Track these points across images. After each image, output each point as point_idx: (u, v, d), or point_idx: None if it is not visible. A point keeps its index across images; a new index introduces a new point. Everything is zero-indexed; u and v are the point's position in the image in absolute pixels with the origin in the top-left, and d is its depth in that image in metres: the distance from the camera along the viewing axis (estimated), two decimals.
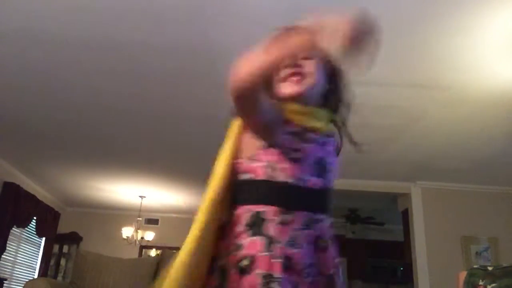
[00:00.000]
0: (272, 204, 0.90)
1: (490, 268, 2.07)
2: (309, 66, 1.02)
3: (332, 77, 1.07)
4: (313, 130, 0.99)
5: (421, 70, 2.79)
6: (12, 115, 3.80)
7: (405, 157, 4.24)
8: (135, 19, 2.45)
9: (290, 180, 0.92)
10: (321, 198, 0.95)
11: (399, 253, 5.78)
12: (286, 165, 0.92)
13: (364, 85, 3.00)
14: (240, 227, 0.91)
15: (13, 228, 5.36)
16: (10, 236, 5.24)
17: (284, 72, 1.00)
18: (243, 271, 0.86)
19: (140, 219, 6.45)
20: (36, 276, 6.15)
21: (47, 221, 6.22)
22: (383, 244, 6.78)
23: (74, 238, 6.82)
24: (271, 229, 0.88)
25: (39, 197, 5.88)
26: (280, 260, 0.86)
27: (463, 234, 4.67)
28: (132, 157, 4.73)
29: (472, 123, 3.42)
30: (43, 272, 6.28)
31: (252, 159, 0.95)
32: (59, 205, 6.77)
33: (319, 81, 1.03)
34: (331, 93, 1.06)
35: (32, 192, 5.66)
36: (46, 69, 3.01)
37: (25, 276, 5.98)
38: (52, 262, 6.64)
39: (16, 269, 5.81)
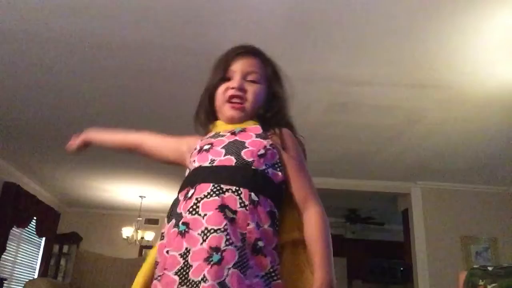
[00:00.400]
0: (183, 188, 1.01)
1: (490, 268, 2.07)
2: (253, 90, 1.11)
3: (273, 102, 1.15)
4: (228, 129, 1.09)
5: (421, 70, 2.79)
6: (12, 115, 3.80)
7: (405, 157, 4.24)
8: (135, 19, 2.45)
9: (200, 164, 1.02)
10: (229, 171, 0.97)
11: (399, 253, 5.79)
12: (199, 156, 1.04)
13: (364, 85, 3.01)
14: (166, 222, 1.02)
15: (13, 228, 5.36)
16: (10, 236, 5.24)
17: (228, 93, 1.10)
18: (167, 253, 0.94)
19: (140, 219, 6.45)
20: (36, 276, 6.15)
21: (47, 221, 6.22)
22: (383, 244, 6.78)
23: (74, 238, 6.82)
24: (181, 206, 0.97)
25: (39, 197, 5.88)
26: (176, 228, 0.92)
27: (463, 234, 4.67)
28: (132, 157, 4.72)
29: (472, 123, 3.42)
30: (43, 272, 6.28)
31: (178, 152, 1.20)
32: (59, 205, 6.77)
33: (259, 103, 1.12)
34: (266, 114, 1.13)
35: (32, 192, 5.66)
36: (47, 69, 3.01)
37: (25, 276, 5.98)
38: (52, 262, 6.64)
39: (16, 269, 5.81)
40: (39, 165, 5.21)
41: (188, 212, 0.92)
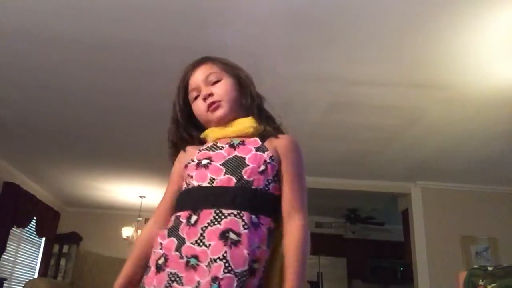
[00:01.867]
0: (184, 208, 0.99)
1: (490, 268, 2.07)
2: (220, 87, 1.13)
3: (244, 87, 1.16)
4: (225, 139, 1.09)
5: (421, 70, 2.79)
6: (12, 114, 3.80)
7: (405, 157, 4.24)
8: (135, 19, 2.45)
9: (200, 183, 1.01)
10: (230, 194, 0.97)
11: (399, 253, 5.79)
12: (198, 172, 1.03)
13: (364, 85, 3.01)
14: (165, 230, 1.01)
15: (13, 228, 5.36)
16: (10, 236, 5.24)
17: (203, 105, 1.12)
18: (159, 268, 0.94)
19: (140, 219, 6.44)
20: (36, 276, 6.15)
21: (47, 221, 6.22)
22: (383, 244, 6.78)
23: (74, 238, 6.82)
24: (184, 230, 0.95)
25: (39, 197, 5.89)
26: (185, 259, 0.92)
27: (463, 234, 4.67)
28: (132, 157, 4.73)
29: (472, 123, 3.42)
30: (43, 272, 6.28)
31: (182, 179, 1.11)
32: (59, 205, 6.77)
33: (233, 93, 1.13)
34: (247, 100, 1.14)
35: (32, 192, 5.66)
36: (47, 69, 3.01)
37: (25, 276, 5.98)
38: (52, 262, 6.63)
39: (16, 269, 5.81)
40: (39, 165, 5.21)
41: (196, 244, 0.92)
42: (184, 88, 1.17)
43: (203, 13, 2.37)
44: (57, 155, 4.79)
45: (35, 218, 5.84)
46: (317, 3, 2.25)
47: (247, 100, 1.13)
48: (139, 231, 6.32)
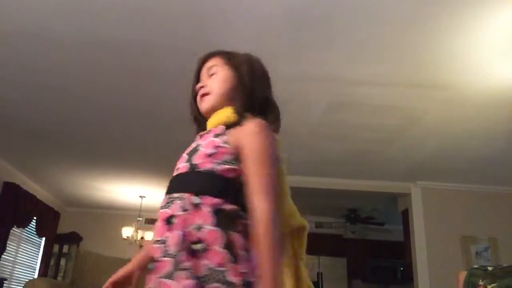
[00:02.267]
0: None
1: (490, 268, 2.07)
2: (213, 81, 1.17)
3: (241, 80, 1.17)
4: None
5: (421, 70, 2.79)
6: (12, 114, 3.80)
7: (405, 157, 4.24)
8: (135, 20, 2.45)
9: (174, 173, 1.08)
10: (180, 179, 1.03)
11: (399, 253, 5.78)
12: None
13: (364, 85, 3.01)
14: None
15: (13, 228, 5.36)
16: (10, 236, 5.24)
17: (198, 95, 1.19)
18: None
19: (140, 219, 6.44)
20: (36, 276, 6.15)
21: (47, 221, 6.22)
22: (383, 244, 6.78)
23: (74, 238, 6.82)
24: None
25: (39, 197, 5.88)
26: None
27: (463, 234, 4.67)
28: (132, 157, 4.73)
29: (472, 123, 3.42)
30: (43, 272, 6.28)
31: None
32: (59, 205, 6.77)
33: (224, 87, 1.15)
34: (237, 94, 1.15)
35: (32, 192, 5.65)
36: (47, 69, 3.01)
37: (25, 276, 5.98)
38: (52, 262, 6.63)
39: (16, 269, 5.81)
40: (39, 165, 5.21)
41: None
42: (197, 78, 1.24)
43: (202, 13, 2.37)
44: (57, 155, 4.79)
45: (35, 218, 5.83)
46: (317, 3, 2.25)
47: (237, 94, 1.15)
48: (139, 231, 6.33)
